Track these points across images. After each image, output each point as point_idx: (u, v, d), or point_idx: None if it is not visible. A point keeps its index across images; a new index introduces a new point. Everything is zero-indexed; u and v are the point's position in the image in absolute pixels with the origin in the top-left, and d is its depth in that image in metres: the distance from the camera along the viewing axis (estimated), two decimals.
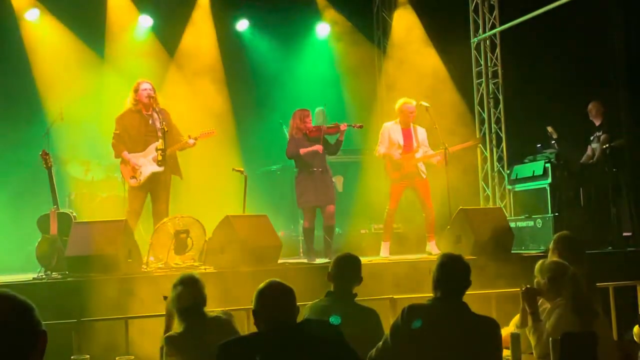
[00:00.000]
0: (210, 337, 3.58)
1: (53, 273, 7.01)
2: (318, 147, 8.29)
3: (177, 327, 4.26)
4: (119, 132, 7.88)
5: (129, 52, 10.87)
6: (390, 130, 8.69)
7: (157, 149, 7.71)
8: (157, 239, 7.52)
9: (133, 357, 4.74)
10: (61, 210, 7.50)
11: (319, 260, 8.09)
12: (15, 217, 9.05)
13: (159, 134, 7.74)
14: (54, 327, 5.37)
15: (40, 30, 10.53)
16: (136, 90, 7.86)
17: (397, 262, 7.89)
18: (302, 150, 8.30)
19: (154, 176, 7.80)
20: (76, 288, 6.34)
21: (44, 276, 6.93)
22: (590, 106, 9.49)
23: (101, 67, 10.64)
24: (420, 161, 8.65)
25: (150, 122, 7.87)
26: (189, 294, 4.23)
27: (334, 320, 3.81)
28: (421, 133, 8.73)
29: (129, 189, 8.00)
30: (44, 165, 7.52)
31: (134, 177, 7.81)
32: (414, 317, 3.62)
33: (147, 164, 7.80)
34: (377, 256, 8.57)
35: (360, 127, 8.82)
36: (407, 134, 8.68)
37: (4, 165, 9.64)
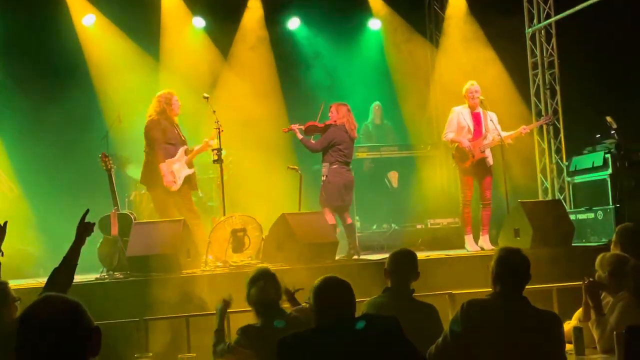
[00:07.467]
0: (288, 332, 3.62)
1: (115, 273, 7.14)
2: None
3: (251, 320, 4.31)
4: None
5: (183, 53, 11.03)
6: (460, 114, 8.40)
7: (212, 149, 7.99)
8: (215, 237, 7.60)
9: (195, 354, 4.80)
10: (121, 212, 7.65)
11: (364, 256, 8.12)
12: (77, 218, 9.21)
13: (183, 138, 8.13)
14: (117, 325, 5.50)
15: (97, 35, 10.75)
16: (169, 103, 8.11)
17: (454, 257, 7.83)
18: None
19: (187, 178, 8.06)
20: (138, 287, 6.44)
21: (106, 276, 7.07)
22: None
23: (156, 69, 10.81)
24: (487, 147, 8.37)
25: (176, 130, 8.19)
26: (269, 287, 4.31)
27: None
28: (491, 118, 8.36)
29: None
30: (104, 168, 7.67)
31: (173, 181, 7.99)
32: (474, 312, 3.59)
33: (181, 168, 8.02)
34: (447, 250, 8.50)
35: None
36: (477, 118, 8.42)
37: (65, 168, 9.86)
